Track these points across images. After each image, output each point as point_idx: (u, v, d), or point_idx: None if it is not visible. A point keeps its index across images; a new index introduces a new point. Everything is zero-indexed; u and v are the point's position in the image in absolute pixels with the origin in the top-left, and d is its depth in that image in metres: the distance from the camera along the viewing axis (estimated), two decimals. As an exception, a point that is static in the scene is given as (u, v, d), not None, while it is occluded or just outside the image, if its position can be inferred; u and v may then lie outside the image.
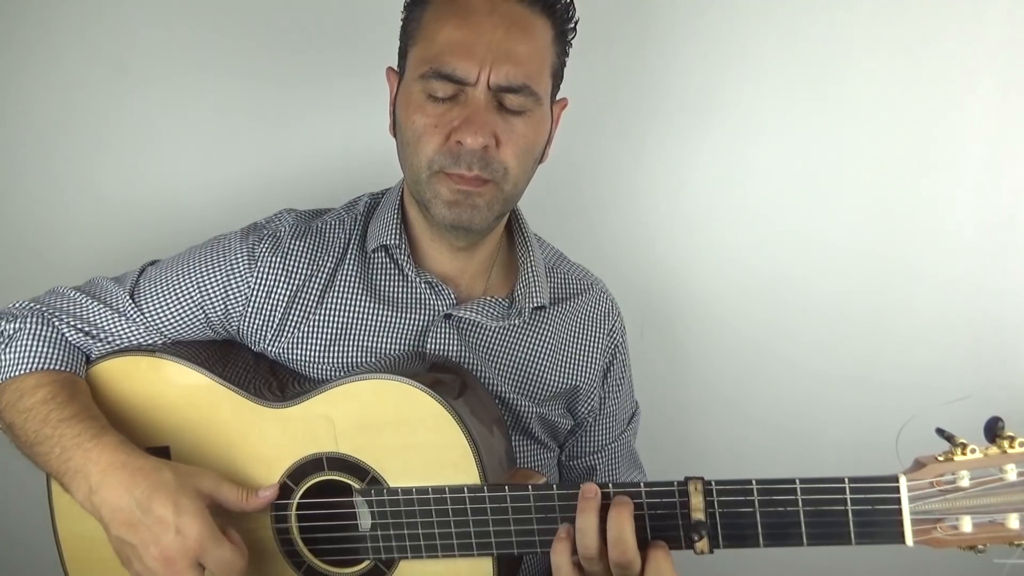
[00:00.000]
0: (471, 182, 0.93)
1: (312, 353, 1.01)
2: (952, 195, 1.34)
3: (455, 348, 1.02)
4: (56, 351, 0.96)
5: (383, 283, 1.03)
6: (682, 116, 1.33)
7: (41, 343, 0.96)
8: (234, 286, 1.00)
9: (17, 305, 1.01)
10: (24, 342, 0.96)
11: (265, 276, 1.01)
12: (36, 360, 0.95)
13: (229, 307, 1.01)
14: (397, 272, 1.03)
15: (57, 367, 0.95)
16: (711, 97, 1.32)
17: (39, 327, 0.97)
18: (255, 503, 0.91)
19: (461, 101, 0.92)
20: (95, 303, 1.00)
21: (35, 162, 1.26)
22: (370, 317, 1.02)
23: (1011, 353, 1.39)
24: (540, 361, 1.06)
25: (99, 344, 0.99)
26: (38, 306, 1.00)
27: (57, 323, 0.98)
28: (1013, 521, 0.77)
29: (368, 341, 1.01)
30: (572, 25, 0.98)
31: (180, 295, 1.00)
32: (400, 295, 1.03)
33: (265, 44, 1.25)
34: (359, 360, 1.01)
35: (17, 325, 0.97)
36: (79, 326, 0.99)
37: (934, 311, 1.38)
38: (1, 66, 1.23)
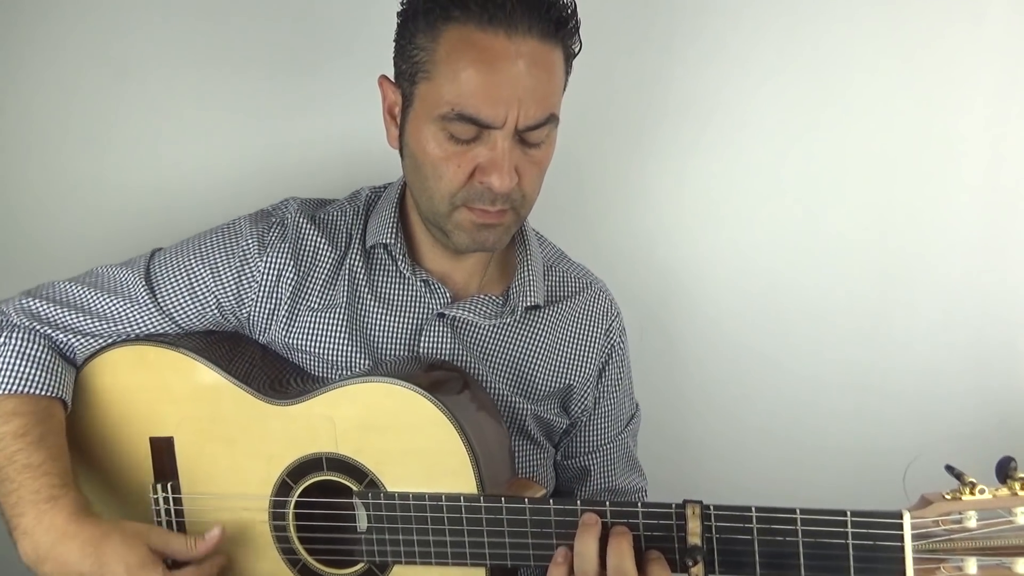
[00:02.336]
0: (494, 215, 0.93)
1: (313, 345, 1.01)
2: (953, 196, 1.32)
3: (449, 346, 1.02)
4: (40, 372, 0.94)
5: (381, 280, 1.04)
6: (682, 117, 1.31)
7: (25, 363, 0.94)
8: (247, 271, 1.01)
9: (10, 307, 0.99)
10: (6, 360, 0.95)
11: (274, 262, 1.01)
12: (17, 382, 0.93)
13: (242, 292, 1.01)
14: (395, 270, 1.04)
15: (38, 391, 0.93)
16: (711, 98, 1.30)
17: (23, 343, 0.96)
18: (203, 548, 0.92)
19: (484, 140, 0.90)
20: (103, 295, 1.00)
21: (36, 158, 1.26)
22: (370, 313, 1.02)
23: (1013, 354, 1.36)
24: (535, 359, 1.06)
25: (99, 340, 0.99)
26: (30, 305, 0.98)
27: (50, 331, 0.98)
28: (1020, 566, 0.74)
29: (365, 338, 1.02)
30: (577, 36, 0.95)
31: (194, 281, 1.01)
32: (396, 293, 1.03)
33: (265, 39, 1.25)
34: (356, 355, 1.01)
35: (2, 340, 0.96)
36: (77, 326, 0.98)
37: (935, 313, 1.35)
38: (1, 63, 1.23)
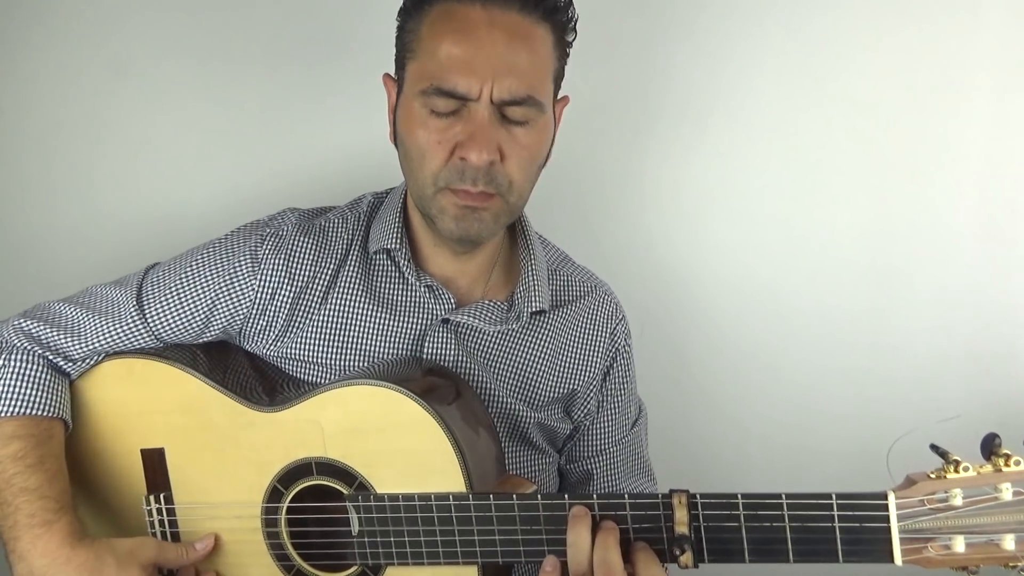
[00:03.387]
0: (477, 198, 0.92)
1: (313, 354, 1.01)
2: (952, 197, 1.32)
3: (452, 353, 1.01)
4: (39, 393, 0.95)
5: (384, 286, 1.03)
6: (682, 117, 1.32)
7: (24, 384, 0.95)
8: (238, 290, 1.01)
9: (7, 329, 1.00)
10: (6, 382, 0.95)
11: (269, 278, 1.01)
12: (17, 405, 0.94)
13: (233, 311, 1.01)
14: (398, 275, 1.03)
15: (38, 411, 0.94)
16: (711, 98, 1.31)
17: (23, 365, 0.96)
18: (195, 555, 0.95)
19: (464, 116, 0.90)
20: (92, 316, 1.00)
21: (34, 163, 1.27)
22: (371, 320, 1.02)
23: (1012, 356, 1.36)
24: (539, 367, 1.05)
25: (89, 362, 1.00)
26: (27, 326, 0.99)
27: (48, 353, 0.98)
28: (1009, 542, 0.74)
29: (368, 344, 1.01)
30: (572, 26, 0.96)
31: (184, 302, 1.00)
32: (400, 298, 1.03)
33: (266, 44, 1.26)
34: (358, 363, 1.01)
35: (1, 361, 0.97)
36: (69, 350, 0.98)
37: (935, 313, 1.35)
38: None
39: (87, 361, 1.00)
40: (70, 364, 0.99)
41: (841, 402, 1.38)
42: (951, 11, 1.26)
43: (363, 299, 1.02)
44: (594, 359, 1.09)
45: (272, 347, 1.02)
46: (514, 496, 0.86)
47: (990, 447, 0.75)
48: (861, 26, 1.28)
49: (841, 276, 1.35)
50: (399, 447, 0.90)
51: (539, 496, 0.86)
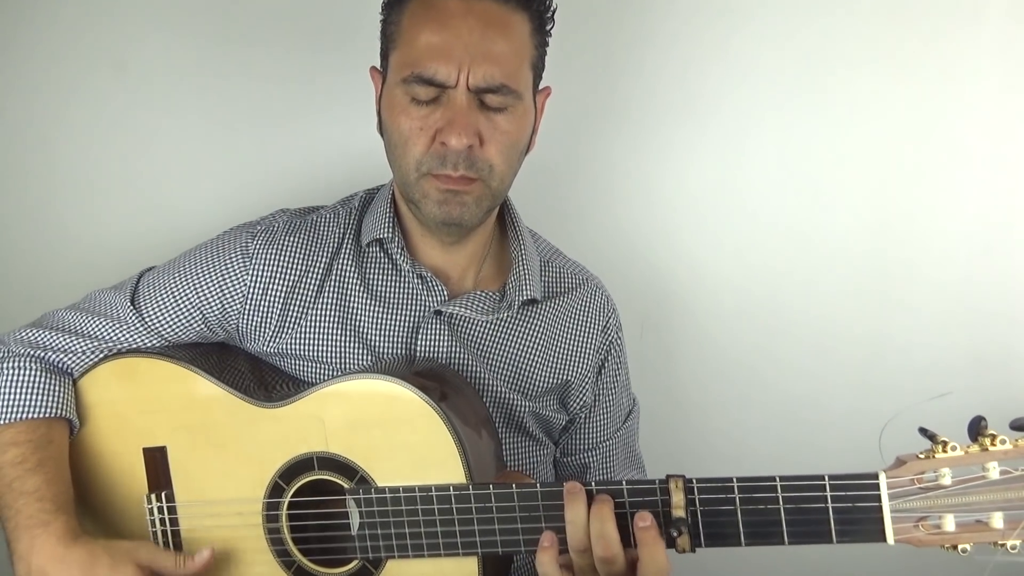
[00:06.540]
0: (458, 182, 0.95)
1: (310, 349, 1.03)
2: (952, 196, 1.34)
3: (446, 344, 1.03)
4: (37, 396, 0.96)
5: (377, 278, 1.05)
6: (681, 115, 1.34)
7: (22, 390, 0.96)
8: (230, 286, 1.03)
9: (9, 338, 1.02)
10: (5, 389, 0.97)
11: (261, 272, 1.03)
12: (14, 411, 0.96)
13: (226, 307, 1.03)
14: (391, 267, 1.05)
15: (37, 415, 0.96)
16: (710, 96, 1.33)
17: (19, 371, 0.97)
18: (192, 567, 0.93)
19: (443, 103, 0.94)
20: (93, 318, 1.02)
21: (35, 164, 1.29)
22: (366, 312, 1.04)
23: (1012, 356, 1.37)
24: (532, 356, 1.07)
25: (91, 358, 1.01)
26: (28, 335, 1.01)
27: (46, 354, 0.99)
28: (997, 520, 0.76)
29: (363, 336, 1.03)
30: (550, 15, 0.99)
31: (178, 300, 1.03)
32: (392, 291, 1.05)
33: (263, 44, 1.28)
34: (355, 356, 1.03)
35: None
36: (70, 347, 1.00)
37: (934, 311, 1.37)
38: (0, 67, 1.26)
39: (90, 356, 1.01)
40: (72, 359, 1.00)
41: (839, 401, 1.39)
42: (952, 10, 1.28)
43: (358, 292, 1.04)
44: (587, 353, 1.11)
45: (270, 344, 1.04)
46: (513, 486, 0.87)
47: (976, 428, 0.77)
48: (862, 25, 1.30)
49: (840, 276, 1.36)
50: (400, 441, 0.91)
51: (538, 486, 0.87)
